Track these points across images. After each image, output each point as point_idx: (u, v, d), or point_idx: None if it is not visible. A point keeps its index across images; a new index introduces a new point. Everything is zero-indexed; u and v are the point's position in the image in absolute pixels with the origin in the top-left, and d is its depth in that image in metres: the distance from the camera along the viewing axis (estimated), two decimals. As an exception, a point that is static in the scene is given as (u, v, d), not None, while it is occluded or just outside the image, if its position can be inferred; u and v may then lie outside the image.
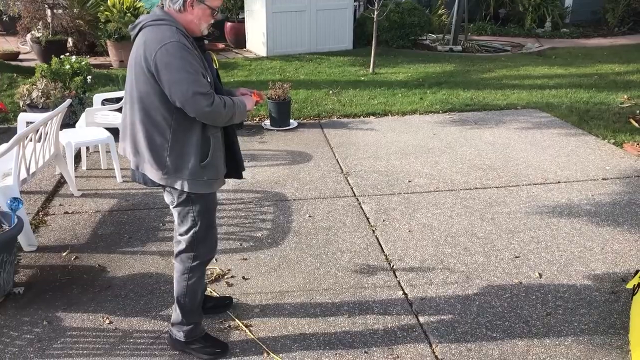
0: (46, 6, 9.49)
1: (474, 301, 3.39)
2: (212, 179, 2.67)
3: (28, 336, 3.08)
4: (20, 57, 9.87)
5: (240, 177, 2.93)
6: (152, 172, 2.63)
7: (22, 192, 4.69)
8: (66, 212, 4.49)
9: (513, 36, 12.92)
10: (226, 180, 2.88)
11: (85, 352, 2.96)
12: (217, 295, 3.43)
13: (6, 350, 2.97)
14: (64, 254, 3.89)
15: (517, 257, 3.87)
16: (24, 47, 10.47)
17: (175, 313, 2.90)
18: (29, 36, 9.66)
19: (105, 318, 3.23)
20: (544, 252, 3.92)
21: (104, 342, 3.03)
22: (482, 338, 3.08)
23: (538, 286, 3.54)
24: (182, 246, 2.78)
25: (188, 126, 2.54)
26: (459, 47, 11.32)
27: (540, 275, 3.65)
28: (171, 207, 2.75)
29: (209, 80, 2.54)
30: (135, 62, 2.50)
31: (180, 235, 2.77)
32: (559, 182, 5.06)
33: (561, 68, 9.68)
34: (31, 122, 4.31)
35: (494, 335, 3.10)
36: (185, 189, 2.62)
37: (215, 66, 2.76)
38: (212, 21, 2.63)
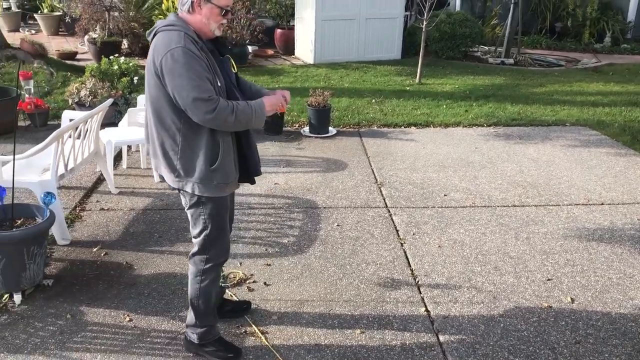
0: (104, 8, 9.82)
1: (498, 323, 3.27)
2: (222, 183, 2.66)
3: (51, 328, 3.16)
4: (78, 56, 10.24)
5: (252, 182, 2.91)
6: (166, 175, 2.67)
7: (61, 187, 4.87)
8: (102, 209, 4.60)
9: (569, 51, 12.52)
10: (241, 184, 2.88)
11: (102, 347, 3.01)
12: (236, 299, 3.43)
13: (29, 340, 3.05)
14: (95, 250, 3.98)
15: (549, 279, 3.71)
16: (82, 47, 10.86)
17: (190, 315, 2.92)
18: (86, 37, 10.02)
19: (126, 315, 3.28)
20: (579, 277, 3.74)
21: (122, 339, 3.07)
22: (503, 362, 2.96)
23: (569, 312, 3.38)
24: (195, 248, 2.80)
25: (197, 130, 2.55)
26: (511, 60, 11.05)
27: (573, 300, 3.49)
28: (185, 209, 2.77)
29: (219, 84, 2.54)
30: (147, 66, 2.54)
31: (193, 237, 2.79)
32: (602, 204, 4.83)
33: (617, 85, 9.30)
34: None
35: (517, 360, 2.98)
36: (196, 192, 2.63)
37: (234, 70, 2.75)
38: (224, 21, 2.61)
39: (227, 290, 3.48)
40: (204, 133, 2.55)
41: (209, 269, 2.81)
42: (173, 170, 2.63)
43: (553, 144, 6.39)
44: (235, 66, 2.76)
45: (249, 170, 2.84)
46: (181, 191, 2.69)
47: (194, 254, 2.82)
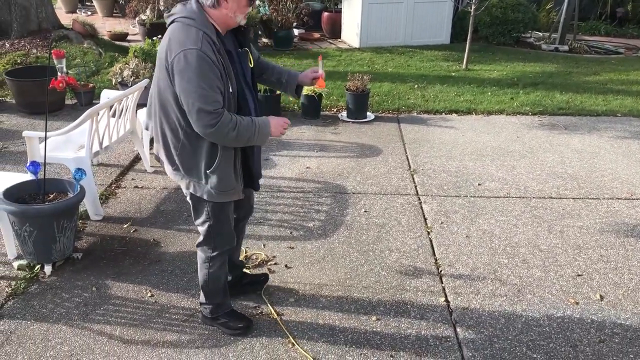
0: (154, -10, 9.99)
1: (520, 317, 3.17)
2: (219, 191, 2.63)
3: (77, 299, 3.28)
4: (129, 38, 10.48)
5: (255, 188, 2.88)
6: (166, 164, 2.69)
7: (100, 164, 5.02)
8: (136, 187, 4.72)
9: (630, 38, 11.91)
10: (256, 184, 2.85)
11: (123, 321, 3.10)
12: (254, 273, 3.49)
13: (55, 310, 3.17)
14: (125, 226, 4.09)
15: (579, 275, 3.57)
16: (134, 29, 11.10)
17: (201, 295, 3.00)
18: (137, 19, 10.23)
19: (148, 290, 3.36)
20: (611, 273, 3.58)
21: (142, 314, 3.16)
22: (520, 357, 2.87)
23: (596, 309, 3.24)
24: (200, 238, 2.85)
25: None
26: (565, 47, 10.60)
27: (602, 297, 3.35)
28: (186, 197, 2.80)
29: (231, 90, 2.48)
30: (159, 55, 2.49)
31: (197, 226, 2.83)
32: (646, 199, 4.61)
33: (679, 74, 8.80)
34: (111, 99, 4.56)
35: (535, 355, 2.88)
36: (191, 191, 2.67)
37: (250, 64, 2.68)
38: (250, 9, 2.54)
39: (245, 265, 3.53)
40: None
41: (215, 257, 2.86)
42: (172, 164, 2.65)
43: (600, 134, 6.11)
44: (252, 61, 2.69)
45: (252, 178, 2.79)
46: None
47: (200, 243, 2.87)
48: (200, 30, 2.38)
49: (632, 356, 2.89)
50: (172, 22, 2.48)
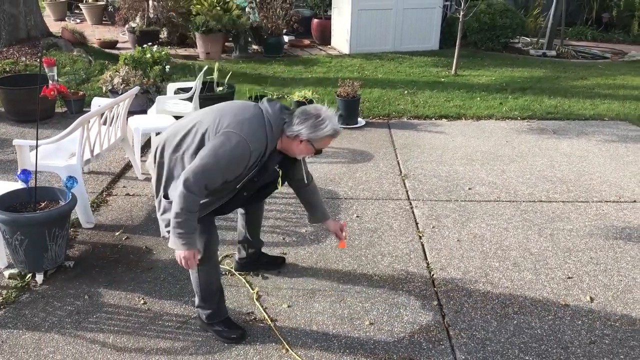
0: (144, -2, 10.01)
1: (512, 320, 3.20)
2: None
3: (69, 308, 3.26)
4: (118, 45, 10.46)
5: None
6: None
7: (91, 172, 5.01)
8: (127, 194, 4.71)
9: (616, 43, 12.06)
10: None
11: (115, 328, 3.09)
12: (272, 255, 3.73)
13: (47, 319, 3.16)
14: (117, 234, 4.08)
15: (569, 277, 3.60)
16: (124, 36, 11.10)
17: (196, 298, 3.03)
18: (126, 26, 10.23)
19: (140, 298, 3.35)
20: (601, 275, 3.62)
21: (135, 322, 3.15)
22: (512, 359, 2.90)
23: (587, 311, 3.28)
24: None
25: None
26: (553, 52, 10.73)
27: (592, 299, 3.38)
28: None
29: (237, 186, 2.74)
30: (223, 112, 2.70)
31: None
32: (634, 201, 4.66)
33: (665, 79, 8.92)
34: (101, 107, 4.56)
35: (527, 358, 2.91)
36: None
37: (277, 187, 2.93)
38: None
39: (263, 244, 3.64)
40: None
41: (201, 260, 2.86)
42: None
43: (588, 138, 6.18)
44: (279, 184, 2.92)
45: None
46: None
47: None
48: (267, 139, 2.64)
49: (622, 357, 2.92)
50: (258, 105, 2.74)
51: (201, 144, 2.66)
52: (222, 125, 2.61)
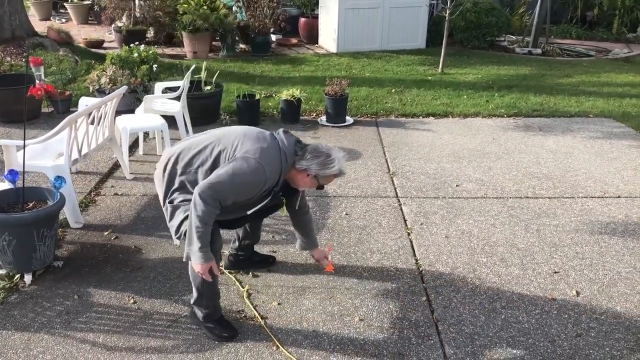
0: (130, -3, 9.96)
1: (499, 314, 3.24)
2: None
3: (58, 308, 3.25)
4: (105, 45, 10.40)
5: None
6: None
7: (79, 172, 4.99)
8: (116, 194, 4.70)
9: (600, 41, 12.19)
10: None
11: (105, 328, 3.09)
12: (264, 254, 3.76)
13: (36, 319, 3.15)
14: (106, 233, 4.07)
15: (556, 272, 3.65)
16: (110, 36, 11.04)
17: (195, 296, 3.03)
18: (112, 26, 10.17)
19: (130, 297, 3.35)
20: (587, 270, 3.68)
21: (125, 321, 3.15)
22: (500, 353, 2.93)
23: (573, 305, 3.33)
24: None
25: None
26: (539, 50, 10.83)
27: (578, 293, 3.43)
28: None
29: (248, 211, 2.94)
30: (243, 136, 2.85)
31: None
32: (619, 197, 4.73)
33: (648, 76, 9.04)
34: (88, 106, 4.54)
35: (514, 351, 2.95)
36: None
37: (280, 211, 3.13)
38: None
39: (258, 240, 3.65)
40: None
41: None
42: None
43: (574, 135, 6.26)
44: (283, 211, 3.14)
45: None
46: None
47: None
48: (281, 169, 2.82)
49: (607, 349, 2.97)
50: (274, 134, 2.90)
51: (216, 162, 2.81)
52: (241, 149, 2.76)
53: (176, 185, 2.91)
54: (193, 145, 2.92)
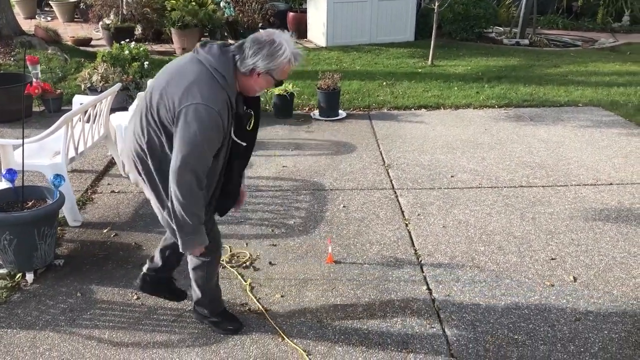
0: (117, -6, 9.90)
1: (499, 301, 3.29)
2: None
3: (62, 305, 3.26)
4: (92, 43, 10.33)
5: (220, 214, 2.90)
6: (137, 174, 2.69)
7: (74, 170, 4.98)
8: (112, 191, 4.69)
9: (586, 30, 12.31)
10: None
11: (111, 324, 3.10)
12: (178, 288, 3.24)
13: (40, 317, 3.15)
14: (105, 231, 4.07)
15: (553, 259, 3.72)
16: (97, 33, 10.96)
17: (196, 295, 3.02)
18: (100, 23, 10.11)
19: (134, 293, 3.36)
20: (582, 256, 3.75)
21: (130, 317, 3.17)
22: (502, 339, 2.99)
23: (571, 290, 3.39)
24: None
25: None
26: (526, 41, 10.91)
27: (575, 279, 3.50)
28: None
29: (225, 149, 2.53)
30: (169, 80, 2.40)
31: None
32: (611, 184, 4.80)
33: (635, 65, 9.15)
34: (83, 104, 4.53)
35: (516, 337, 3.00)
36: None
37: (248, 127, 2.65)
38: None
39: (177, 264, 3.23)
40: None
41: (210, 262, 2.88)
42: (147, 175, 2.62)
43: (564, 124, 6.34)
44: (252, 125, 2.66)
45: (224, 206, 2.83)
46: None
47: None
48: (225, 91, 2.38)
49: (606, 332, 3.03)
50: (195, 58, 2.41)
51: (168, 129, 2.42)
52: (174, 103, 2.34)
53: (159, 178, 2.58)
54: (136, 133, 2.54)
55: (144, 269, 3.11)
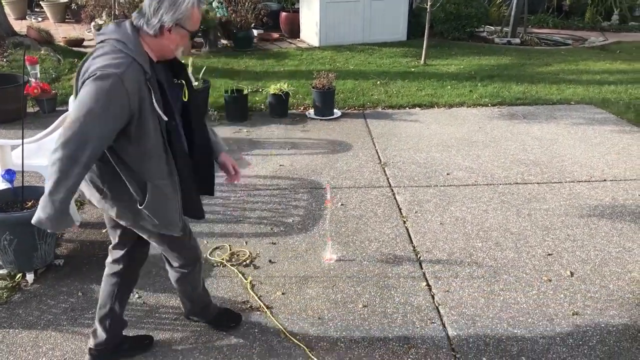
0: (109, -6, 9.87)
1: (498, 296, 3.34)
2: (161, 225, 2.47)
3: (63, 305, 3.26)
4: (85, 43, 10.28)
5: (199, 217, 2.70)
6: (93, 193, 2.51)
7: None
8: (110, 191, 4.69)
9: (576, 29, 12.42)
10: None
11: (113, 323, 3.11)
12: (134, 336, 3.00)
13: (42, 317, 3.16)
14: (104, 231, 4.07)
15: (549, 254, 3.76)
16: (89, 34, 10.91)
17: (187, 307, 3.06)
18: (92, 24, 10.07)
19: (134, 293, 3.37)
20: (578, 251, 3.80)
21: (132, 315, 3.17)
22: (502, 333, 3.03)
23: (568, 285, 3.44)
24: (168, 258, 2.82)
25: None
26: (517, 40, 10.99)
27: (572, 274, 3.55)
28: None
29: (159, 122, 2.27)
30: (80, 75, 2.23)
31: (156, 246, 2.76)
32: (604, 180, 4.87)
33: (625, 63, 9.25)
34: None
35: (515, 331, 3.04)
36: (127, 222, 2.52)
37: (184, 97, 2.48)
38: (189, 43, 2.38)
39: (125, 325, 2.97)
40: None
41: (191, 272, 2.83)
42: (99, 191, 2.46)
43: (557, 122, 6.40)
44: (187, 95, 2.49)
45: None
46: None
47: (169, 263, 2.85)
48: (131, 56, 2.15)
49: (603, 325, 3.08)
50: (102, 41, 2.24)
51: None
52: (82, 77, 2.18)
53: (100, 180, 2.43)
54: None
55: (90, 344, 2.80)
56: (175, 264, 2.80)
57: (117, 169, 2.33)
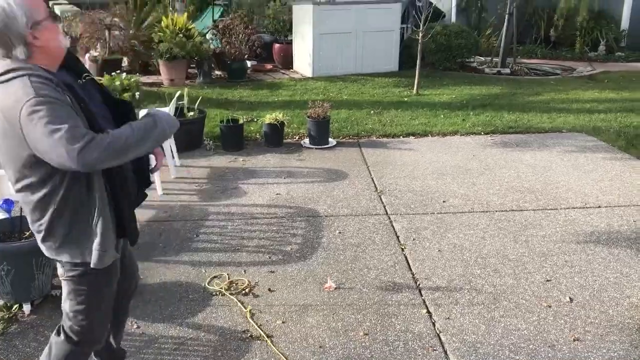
0: (104, 27, 9.98)
1: (499, 323, 3.33)
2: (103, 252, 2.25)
3: (60, 336, 3.22)
4: (79, 75, 10.35)
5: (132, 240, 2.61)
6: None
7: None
8: (107, 221, 4.67)
9: (564, 59, 12.67)
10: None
11: (111, 353, 3.07)
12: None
13: (39, 348, 3.11)
14: (101, 261, 4.04)
15: (548, 280, 3.78)
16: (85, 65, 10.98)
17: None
18: (87, 55, 10.16)
19: (133, 322, 3.34)
20: (577, 277, 3.81)
21: (131, 346, 3.13)
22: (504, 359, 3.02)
23: (568, 311, 3.44)
24: (66, 323, 2.50)
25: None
26: (507, 70, 11.19)
27: (571, 299, 3.56)
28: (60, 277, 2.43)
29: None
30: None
31: (68, 310, 2.48)
32: (599, 207, 4.91)
33: (613, 92, 9.42)
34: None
35: (517, 357, 3.03)
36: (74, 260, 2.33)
37: (102, 89, 2.37)
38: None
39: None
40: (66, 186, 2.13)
41: (76, 352, 2.49)
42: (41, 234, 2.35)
43: (550, 150, 6.48)
44: (102, 85, 2.38)
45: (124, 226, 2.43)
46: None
47: (61, 330, 2.50)
48: (25, 75, 1.95)
49: (604, 351, 3.08)
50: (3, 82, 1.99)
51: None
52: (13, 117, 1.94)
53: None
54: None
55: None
56: (71, 333, 2.48)
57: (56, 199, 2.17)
